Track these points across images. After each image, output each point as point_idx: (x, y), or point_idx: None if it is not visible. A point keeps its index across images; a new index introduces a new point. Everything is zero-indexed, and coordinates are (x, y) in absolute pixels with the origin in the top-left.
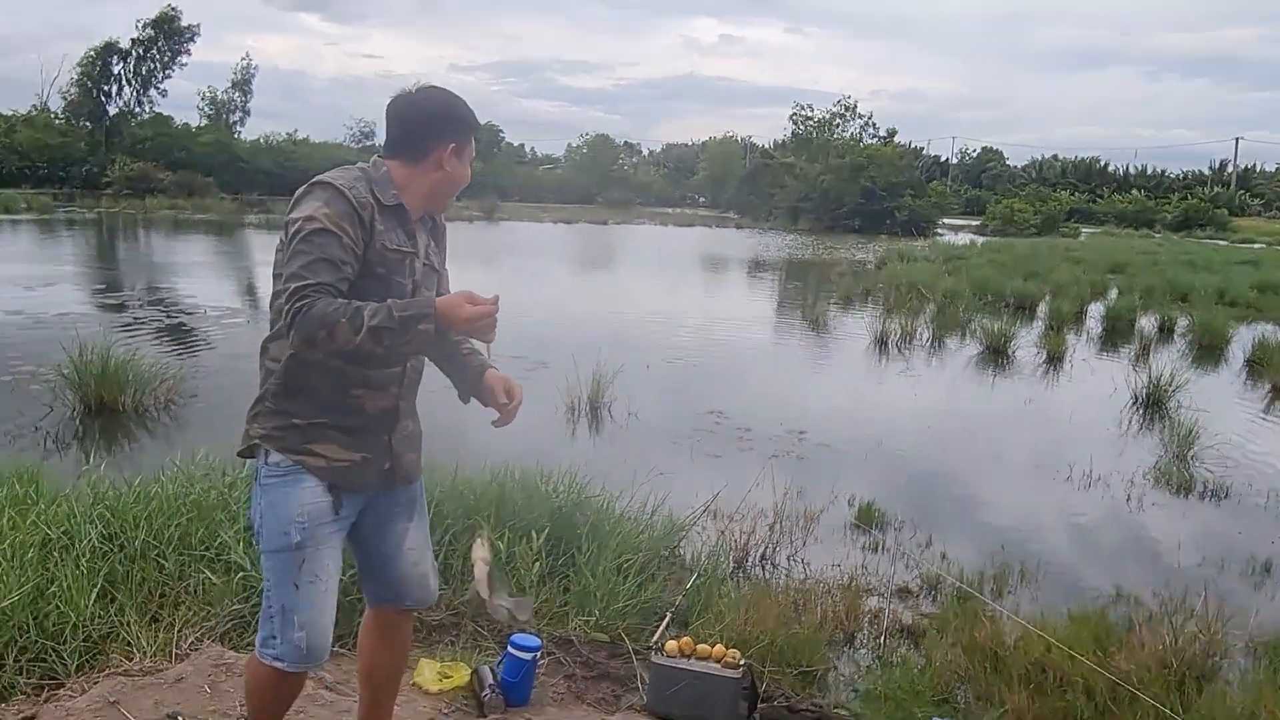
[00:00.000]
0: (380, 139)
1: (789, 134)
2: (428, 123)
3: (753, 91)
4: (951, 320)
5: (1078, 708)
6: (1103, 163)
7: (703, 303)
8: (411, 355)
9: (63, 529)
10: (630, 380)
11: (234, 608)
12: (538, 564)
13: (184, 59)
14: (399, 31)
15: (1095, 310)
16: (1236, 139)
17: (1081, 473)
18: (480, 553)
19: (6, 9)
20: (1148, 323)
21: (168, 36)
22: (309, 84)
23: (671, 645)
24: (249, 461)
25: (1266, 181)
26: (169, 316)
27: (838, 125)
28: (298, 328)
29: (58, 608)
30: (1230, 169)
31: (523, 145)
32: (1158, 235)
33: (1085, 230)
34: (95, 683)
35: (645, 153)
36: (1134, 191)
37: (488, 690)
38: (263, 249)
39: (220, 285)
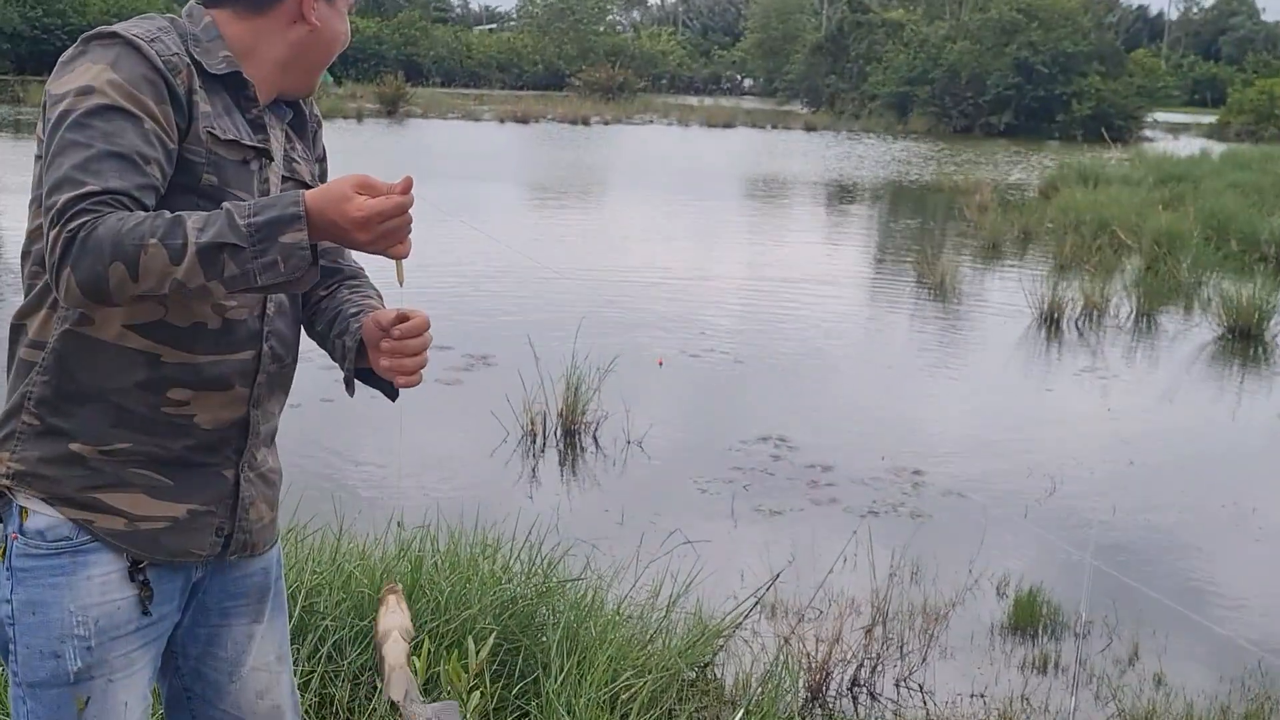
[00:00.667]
0: None
1: None
2: None
3: None
4: (1169, 283)
5: None
6: None
7: (749, 257)
8: (276, 314)
9: None
10: (628, 385)
11: None
12: (478, 692)
13: None
14: None
15: None
16: None
17: None
18: (393, 620)
19: None
20: None
21: None
22: None
23: None
24: None
25: None
26: None
27: None
28: (74, 265)
29: None
30: None
31: None
32: None
33: None
34: None
35: (653, 3)
36: None
37: None
38: (11, 168)
39: None
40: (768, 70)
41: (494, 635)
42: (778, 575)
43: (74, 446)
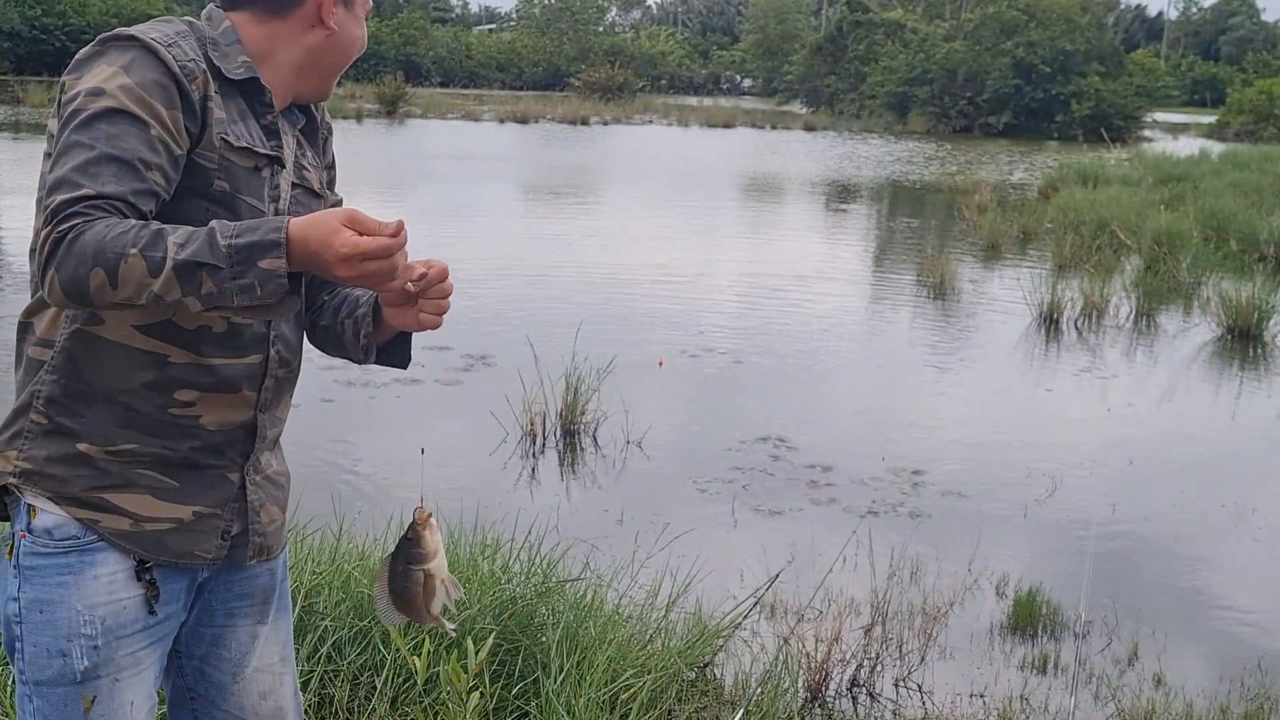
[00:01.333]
0: None
1: None
2: None
3: None
4: (1168, 283)
5: None
6: None
7: (750, 257)
8: (262, 325)
9: None
10: (628, 386)
11: None
12: (477, 693)
13: None
14: None
15: None
16: None
17: None
18: (439, 539)
19: None
20: None
21: None
22: None
23: None
24: None
25: None
26: None
27: None
28: (58, 266)
29: None
30: None
31: None
32: None
33: None
34: None
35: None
36: None
37: None
38: (11, 167)
39: None
40: (766, 70)
41: (493, 635)
42: (777, 575)
43: (81, 446)
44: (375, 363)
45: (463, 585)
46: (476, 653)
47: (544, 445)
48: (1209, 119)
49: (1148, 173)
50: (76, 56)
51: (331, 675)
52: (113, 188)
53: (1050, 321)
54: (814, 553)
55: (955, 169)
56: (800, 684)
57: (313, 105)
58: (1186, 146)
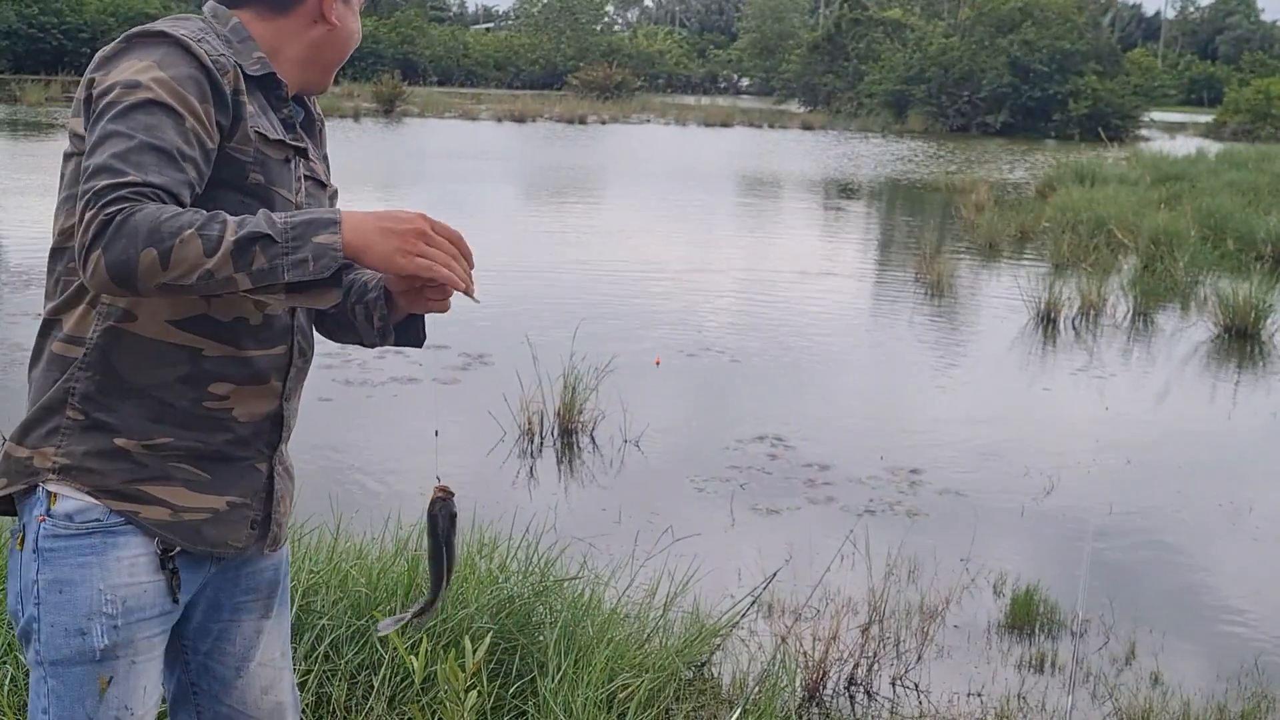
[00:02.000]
0: None
1: None
2: None
3: None
4: (1166, 282)
5: None
6: None
7: (748, 255)
8: (287, 316)
9: None
10: (626, 385)
11: None
12: (475, 692)
13: None
14: None
15: None
16: None
17: None
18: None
19: None
20: None
21: None
22: None
23: None
24: None
25: None
26: None
27: None
28: (105, 247)
29: None
30: None
31: None
32: None
33: None
34: None
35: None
36: None
37: None
38: (8, 166)
39: None
40: (764, 69)
41: (491, 634)
42: (774, 574)
43: (118, 441)
44: (391, 344)
45: (460, 584)
46: (474, 652)
47: (542, 444)
48: (1206, 118)
49: (1145, 172)
50: (101, 54)
51: (329, 674)
52: (156, 177)
53: (1048, 321)
54: (811, 552)
55: (955, 168)
56: (798, 683)
57: (306, 98)
58: (1183, 146)
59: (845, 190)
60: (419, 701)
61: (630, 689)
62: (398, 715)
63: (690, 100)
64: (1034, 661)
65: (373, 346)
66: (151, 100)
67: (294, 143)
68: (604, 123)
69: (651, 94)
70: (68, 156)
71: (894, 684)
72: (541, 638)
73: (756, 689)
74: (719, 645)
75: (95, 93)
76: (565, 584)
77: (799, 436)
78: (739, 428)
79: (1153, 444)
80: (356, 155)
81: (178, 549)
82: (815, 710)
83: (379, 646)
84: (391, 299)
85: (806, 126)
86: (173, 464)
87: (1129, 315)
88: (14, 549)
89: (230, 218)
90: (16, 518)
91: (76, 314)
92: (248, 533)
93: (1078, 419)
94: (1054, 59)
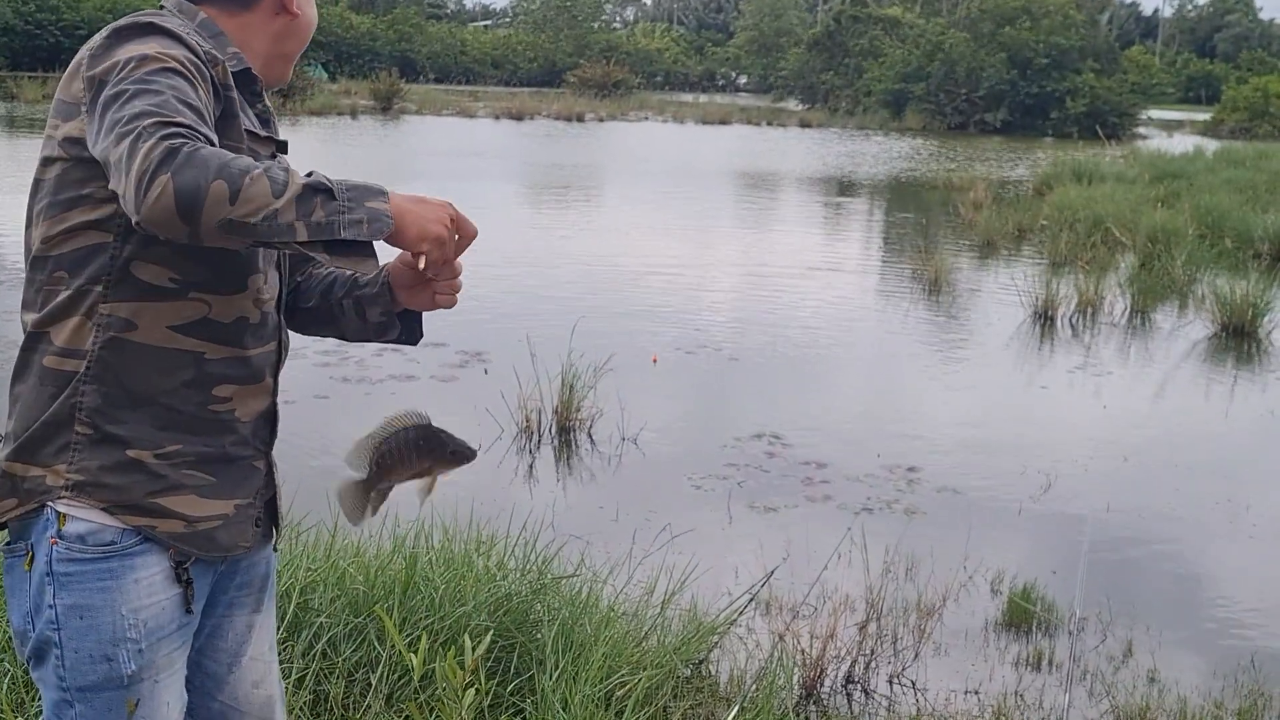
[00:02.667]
0: None
1: None
2: None
3: None
4: (1163, 280)
5: None
6: None
7: (745, 253)
8: (275, 314)
9: None
10: (624, 383)
11: None
12: (473, 689)
13: None
14: None
15: None
16: None
17: None
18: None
19: None
20: None
21: None
22: None
23: None
24: None
25: None
26: None
27: None
28: (175, 172)
29: None
30: None
31: None
32: None
33: None
34: None
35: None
36: None
37: None
38: (5, 164)
39: None
40: (762, 67)
41: (489, 632)
42: (772, 572)
43: (131, 453)
44: (389, 340)
45: (458, 582)
46: (473, 649)
47: (539, 442)
48: (1204, 116)
49: (1143, 170)
50: (90, 48)
51: (327, 672)
52: (203, 128)
53: (1046, 319)
54: (809, 549)
55: (954, 165)
56: (795, 681)
57: (267, 92)
58: (1181, 144)
59: (843, 188)
60: (417, 699)
61: (628, 686)
62: (396, 713)
63: (688, 98)
64: (1031, 659)
65: (362, 341)
66: (169, 68)
67: (276, 137)
68: (601, 120)
69: (649, 92)
70: (48, 161)
71: (891, 682)
72: (540, 635)
73: (754, 687)
74: (717, 643)
75: (97, 73)
76: (563, 582)
77: (796, 434)
78: (737, 425)
79: (1150, 442)
80: (354, 153)
81: (193, 559)
82: (813, 708)
83: (377, 644)
84: (393, 294)
85: (804, 124)
86: (185, 471)
87: (1126, 313)
88: (16, 566)
89: (293, 171)
90: (9, 533)
91: (70, 326)
92: (253, 531)
93: (1075, 417)
94: (1053, 57)
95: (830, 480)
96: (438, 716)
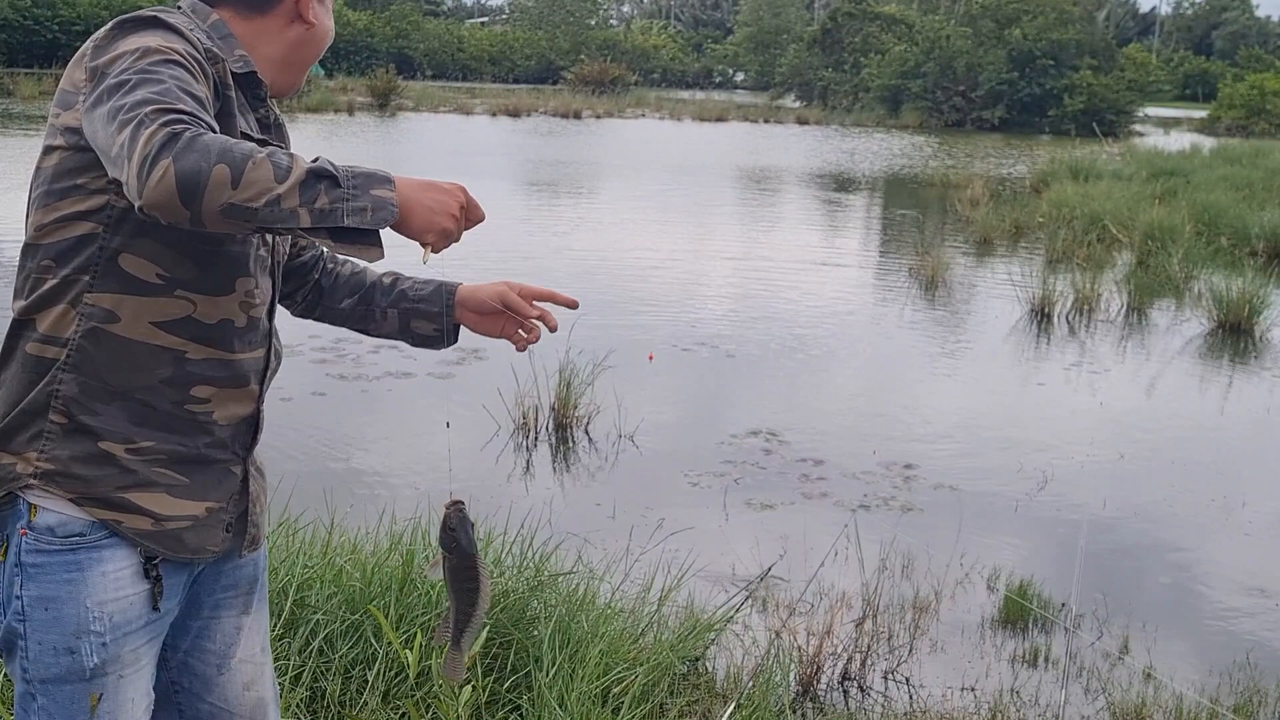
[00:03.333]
0: None
1: None
2: None
3: None
4: (1160, 278)
5: None
6: None
7: (742, 250)
8: (271, 314)
9: None
10: (621, 380)
11: None
12: (469, 686)
13: None
14: None
15: None
16: None
17: None
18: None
19: None
20: None
21: None
22: None
23: None
24: None
25: None
26: None
27: None
28: (176, 156)
29: None
30: None
31: None
32: None
33: None
34: None
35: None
36: None
37: None
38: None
39: None
40: (760, 64)
41: (486, 629)
42: (769, 569)
43: (103, 445)
44: (422, 347)
45: None
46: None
47: (537, 439)
48: (1201, 114)
49: (1139, 167)
50: (95, 39)
51: (323, 669)
52: (205, 116)
53: (1042, 316)
54: (805, 546)
55: (952, 163)
56: (792, 677)
57: (270, 99)
58: (1178, 141)
59: (840, 185)
60: (413, 696)
61: (625, 683)
62: (392, 710)
63: (685, 95)
64: (1027, 656)
65: (385, 338)
66: (171, 60)
67: (275, 143)
68: (598, 118)
69: (646, 89)
70: (49, 150)
71: (887, 679)
72: (536, 632)
73: (751, 683)
74: (713, 640)
75: (100, 64)
76: (560, 579)
77: (793, 431)
78: (734, 423)
79: (1146, 439)
80: (352, 150)
81: (160, 557)
82: (809, 705)
83: (373, 642)
84: (449, 304)
85: (802, 121)
86: (156, 469)
87: (1123, 311)
88: None
89: (296, 155)
90: None
91: (54, 314)
92: (222, 536)
93: (1071, 414)
94: (1051, 54)
95: (827, 477)
96: (435, 713)
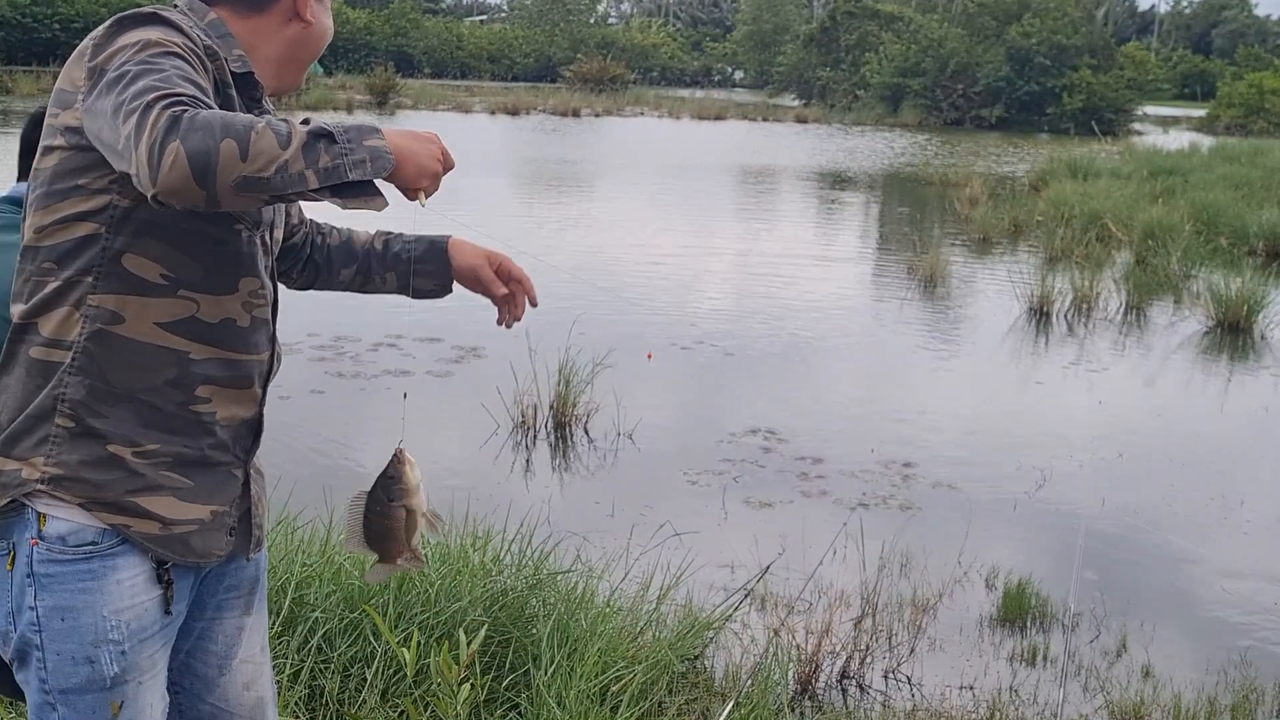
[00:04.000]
0: None
1: None
2: None
3: None
4: (1158, 276)
5: None
6: None
7: (741, 249)
8: (269, 324)
9: None
10: (621, 378)
11: None
12: (468, 684)
13: None
14: None
15: None
16: None
17: None
18: (418, 474)
19: None
20: None
21: None
22: None
23: None
24: None
25: None
26: None
27: None
28: (183, 138)
29: None
30: None
31: None
32: None
33: None
34: None
35: None
36: None
37: None
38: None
39: None
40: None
41: (485, 627)
42: (767, 567)
43: (111, 448)
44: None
45: (454, 577)
46: (468, 644)
47: (536, 437)
48: (1199, 112)
49: (1138, 166)
50: (94, 36)
51: (322, 667)
52: (204, 99)
53: (1041, 314)
54: (804, 545)
55: (951, 161)
56: (790, 676)
57: (266, 99)
58: (1177, 140)
59: (839, 183)
60: (412, 694)
61: (623, 682)
62: (391, 708)
63: (684, 93)
64: (1026, 655)
65: (399, 338)
66: (171, 52)
67: None
68: (597, 116)
69: (645, 87)
70: (48, 150)
71: (886, 677)
72: (535, 630)
73: (749, 682)
74: (712, 638)
75: (99, 61)
76: (559, 577)
77: (792, 430)
78: (732, 421)
79: (1145, 438)
80: None
81: (170, 562)
82: (808, 703)
83: (372, 639)
84: (444, 260)
85: (801, 120)
86: (163, 472)
87: (1122, 309)
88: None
89: (293, 119)
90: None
91: (57, 317)
92: (227, 539)
93: (1070, 413)
94: (1051, 53)
95: (826, 476)
96: (433, 712)
